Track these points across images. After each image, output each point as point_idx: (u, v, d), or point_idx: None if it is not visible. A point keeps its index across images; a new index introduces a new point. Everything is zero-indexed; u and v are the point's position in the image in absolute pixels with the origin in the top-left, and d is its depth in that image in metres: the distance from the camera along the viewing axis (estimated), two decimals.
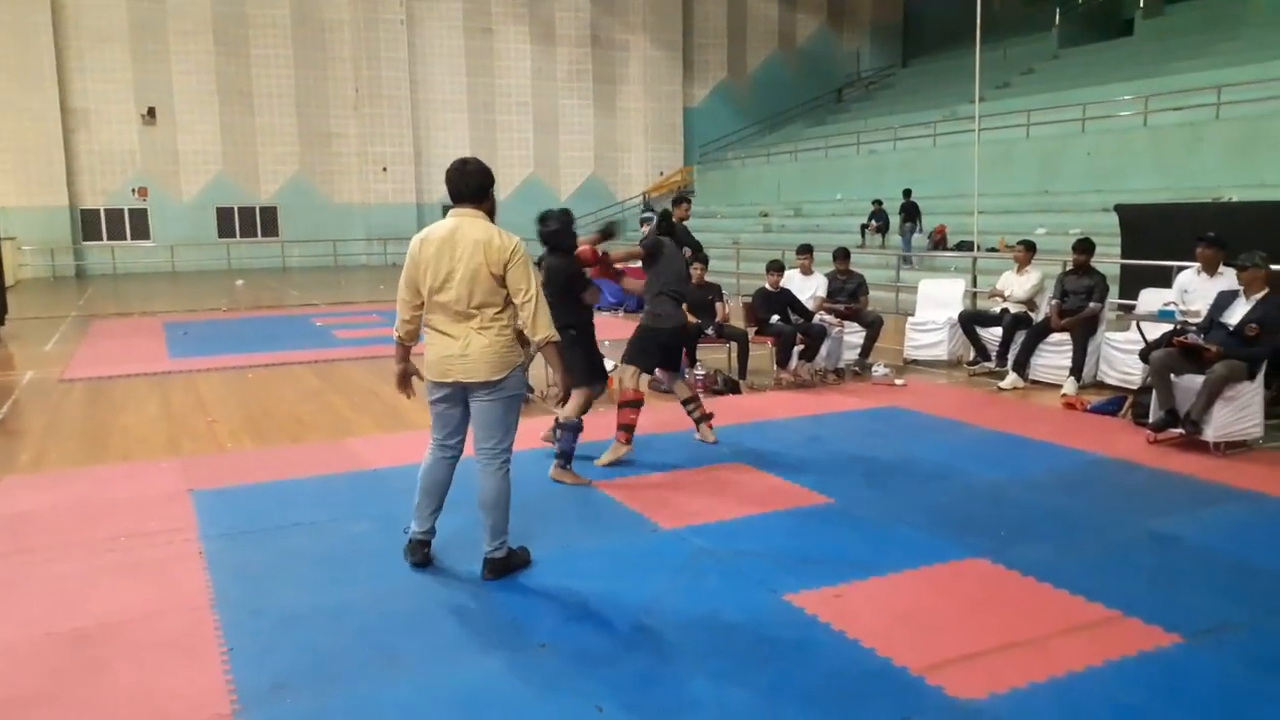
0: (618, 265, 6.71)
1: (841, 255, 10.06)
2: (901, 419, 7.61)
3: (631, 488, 5.75)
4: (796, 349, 9.19)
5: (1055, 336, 8.77)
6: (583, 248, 6.32)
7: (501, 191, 34.11)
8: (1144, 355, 7.18)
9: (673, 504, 5.39)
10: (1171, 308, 7.60)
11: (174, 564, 4.59)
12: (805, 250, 10.13)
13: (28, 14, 26.27)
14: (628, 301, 16.58)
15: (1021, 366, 8.89)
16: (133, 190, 28.55)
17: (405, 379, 4.52)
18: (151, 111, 28.26)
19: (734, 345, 9.27)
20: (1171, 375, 6.59)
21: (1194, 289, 7.61)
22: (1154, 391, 6.73)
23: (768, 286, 9.48)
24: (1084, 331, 8.54)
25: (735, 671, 3.43)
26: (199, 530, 5.07)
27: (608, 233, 6.80)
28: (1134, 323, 8.38)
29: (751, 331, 9.46)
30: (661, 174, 34.85)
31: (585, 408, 6.14)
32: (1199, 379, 6.38)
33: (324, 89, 30.30)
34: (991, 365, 9.42)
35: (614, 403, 6.67)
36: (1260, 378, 6.48)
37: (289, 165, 30.25)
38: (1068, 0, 30.16)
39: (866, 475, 5.97)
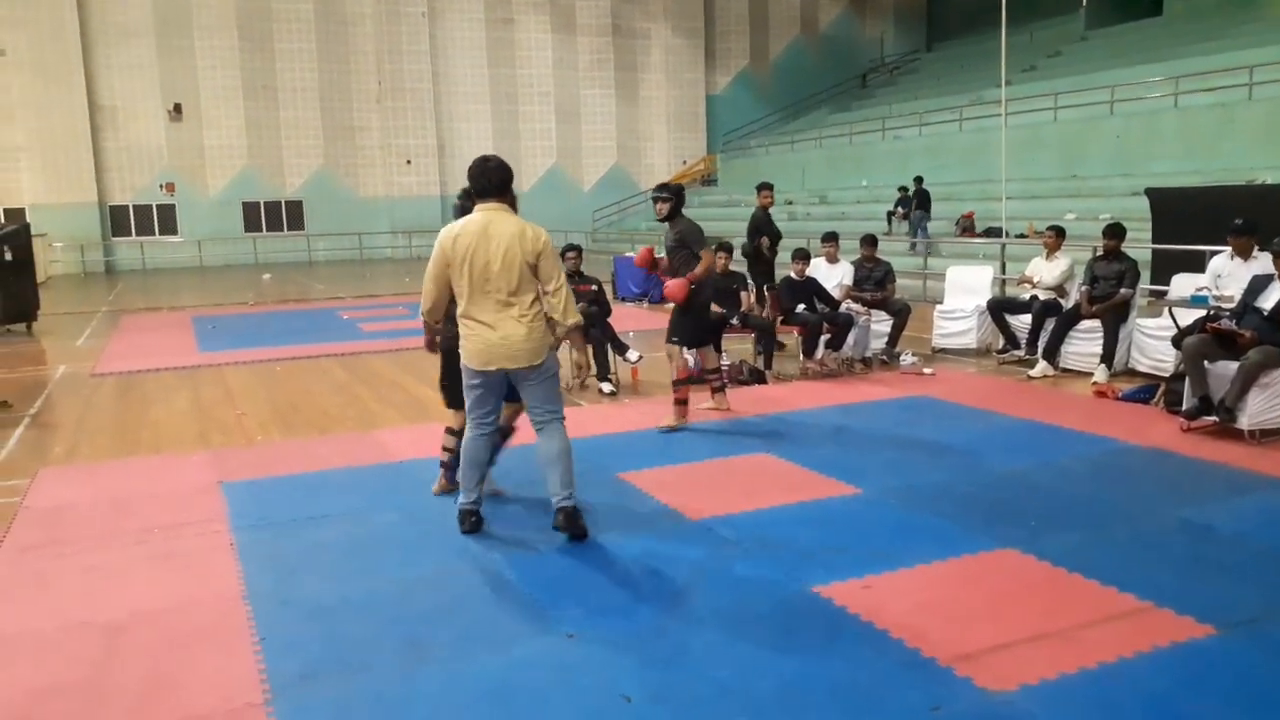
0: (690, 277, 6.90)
1: (868, 242, 9.99)
2: (930, 408, 7.55)
3: (658, 478, 5.75)
4: (823, 338, 9.14)
5: (1086, 323, 8.66)
6: (642, 252, 7.24)
7: (524, 183, 34.42)
8: (1176, 342, 7.08)
9: (699, 495, 5.38)
10: (1204, 293, 7.48)
11: (205, 555, 4.65)
12: (831, 238, 10.06)
13: (55, 11, 26.56)
14: (653, 293, 16.56)
15: (1052, 354, 8.79)
16: (160, 186, 28.84)
17: (434, 344, 5.01)
18: (178, 107, 28.52)
19: (759, 335, 9.22)
20: (1205, 362, 6.49)
21: (1227, 273, 7.49)
22: (1187, 379, 6.63)
23: (793, 275, 9.43)
24: (1115, 318, 8.43)
25: (764, 662, 3.42)
26: (230, 522, 5.12)
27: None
28: (1166, 308, 8.26)
29: (777, 321, 9.42)
30: (684, 162, 34.75)
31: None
32: (1233, 365, 6.28)
33: (347, 83, 30.45)
34: (1021, 353, 9.32)
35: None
36: None
37: (313, 159, 30.44)
38: None
39: (894, 465, 5.93)
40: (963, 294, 10.50)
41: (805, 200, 26.18)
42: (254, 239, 29.88)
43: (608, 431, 7.01)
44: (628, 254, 19.32)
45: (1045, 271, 9.33)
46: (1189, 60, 19.40)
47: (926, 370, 9.07)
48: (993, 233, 16.38)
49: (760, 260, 10.78)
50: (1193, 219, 10.62)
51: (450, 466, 5.36)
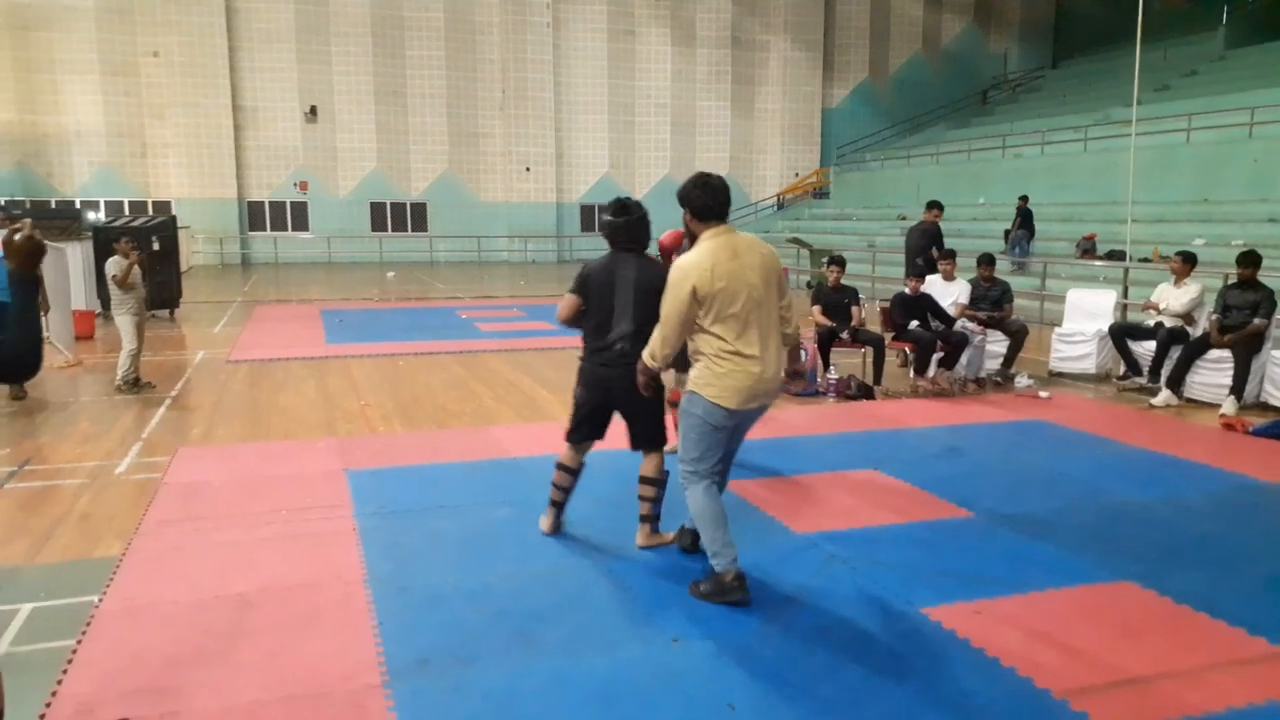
0: None
1: (986, 261, 9.78)
2: (1045, 433, 7.35)
3: (765, 489, 5.76)
4: (936, 356, 8.99)
5: (1215, 353, 8.29)
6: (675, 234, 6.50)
7: (637, 192, 34.73)
8: None
9: (805, 508, 5.38)
10: None
11: (330, 539, 4.88)
12: (948, 255, 9.89)
13: (203, 16, 28.12)
14: None
15: (1176, 383, 8.44)
16: (294, 184, 30.19)
17: (651, 386, 4.31)
18: (313, 110, 29.80)
19: (869, 350, 9.14)
20: None
21: None
22: None
23: (907, 291, 9.30)
24: (1247, 349, 8.05)
25: (869, 682, 3.41)
26: (353, 508, 5.36)
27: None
28: None
29: (889, 337, 9.31)
30: (797, 175, 34.49)
31: None
32: None
33: (473, 90, 31.30)
34: (1143, 381, 8.98)
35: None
36: None
37: (438, 163, 31.38)
38: None
39: (1008, 490, 5.81)
40: (1083, 317, 10.17)
41: (920, 216, 25.68)
42: (379, 238, 30.96)
43: None
44: None
45: (1173, 298, 8.97)
46: None
47: (1042, 394, 8.82)
48: (1115, 256, 15.78)
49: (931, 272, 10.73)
50: None
51: (560, 505, 4.95)
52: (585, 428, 4.84)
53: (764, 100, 34.22)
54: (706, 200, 4.06)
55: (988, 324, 9.47)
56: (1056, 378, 9.76)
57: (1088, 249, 17.99)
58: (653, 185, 32.92)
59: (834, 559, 4.61)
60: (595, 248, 32.00)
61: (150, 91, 28.25)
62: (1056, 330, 10.19)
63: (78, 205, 26.27)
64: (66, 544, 4.85)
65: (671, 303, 3.94)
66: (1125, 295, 12.62)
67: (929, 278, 9.74)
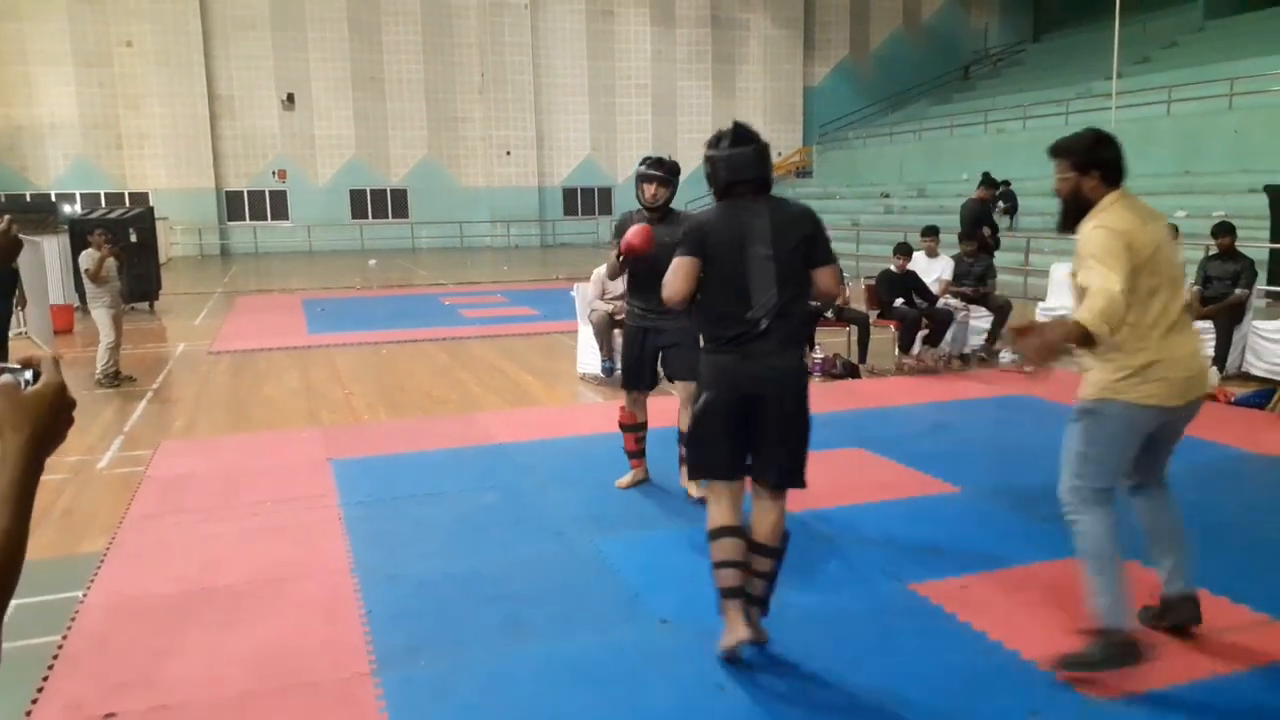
0: None
1: (968, 237, 9.78)
2: (1030, 407, 7.38)
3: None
4: (920, 334, 9.01)
5: (1197, 324, 8.32)
6: (642, 231, 4.89)
7: (620, 175, 34.52)
8: None
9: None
10: None
11: (316, 529, 4.86)
12: (931, 232, 9.89)
13: (177, 4, 27.80)
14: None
15: None
16: (273, 173, 29.96)
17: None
18: (290, 98, 29.54)
19: (854, 329, 9.15)
20: None
21: None
22: None
23: (893, 269, 9.31)
24: (1228, 319, 8.09)
25: (859, 658, 3.42)
26: (339, 497, 5.34)
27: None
28: None
29: (873, 315, 9.31)
30: (779, 155, 34.39)
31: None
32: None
33: (451, 75, 31.07)
34: None
35: None
36: None
37: (418, 149, 31.18)
38: None
39: (994, 464, 5.83)
40: (1066, 292, 10.16)
41: (903, 194, 25.70)
42: (360, 225, 30.78)
43: None
44: None
45: None
46: None
47: (1027, 368, 8.83)
48: None
49: (985, 251, 10.59)
50: None
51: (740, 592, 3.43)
52: (722, 451, 3.37)
53: (745, 80, 34.12)
54: (1119, 156, 3.26)
55: (971, 300, 9.49)
56: None
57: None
58: (635, 167, 32.86)
59: (822, 537, 4.62)
60: (579, 231, 31.97)
61: (124, 82, 27.93)
62: (1040, 305, 10.22)
63: (53, 198, 25.98)
64: (49, 540, 4.81)
65: (1121, 261, 2.97)
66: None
67: (914, 254, 9.73)
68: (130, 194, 27.74)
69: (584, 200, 33.02)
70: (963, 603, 3.81)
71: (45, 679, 3.37)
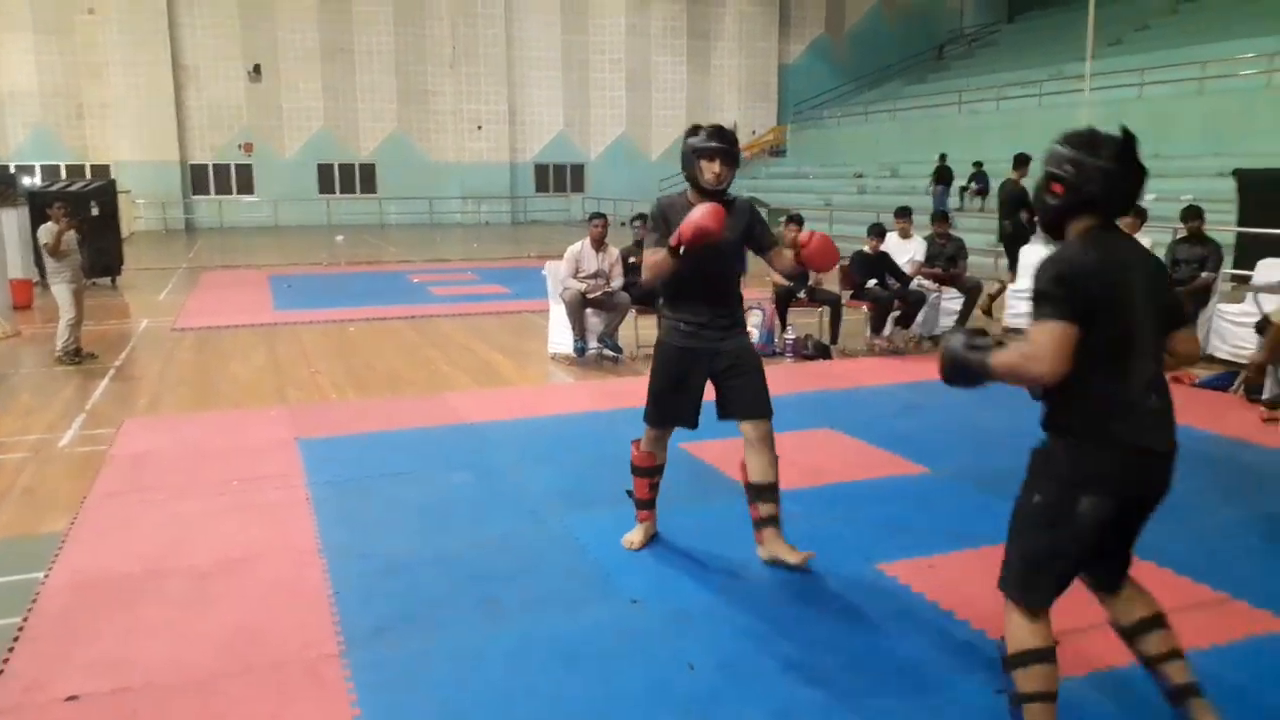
0: None
1: (940, 218, 9.82)
2: (999, 389, 7.41)
3: (722, 450, 5.75)
4: (892, 315, 9.04)
5: None
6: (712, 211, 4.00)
7: (592, 151, 34.24)
8: (1260, 328, 6.86)
9: None
10: None
11: (283, 509, 4.80)
12: (904, 213, 9.92)
13: None
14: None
15: None
16: (239, 146, 29.47)
17: None
18: (257, 69, 29.03)
19: (826, 309, 9.16)
20: None
21: None
22: (1269, 367, 6.43)
23: (866, 250, 9.32)
24: (1195, 302, 8.18)
25: (828, 638, 3.44)
26: (306, 477, 5.28)
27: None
28: (1250, 294, 7.99)
29: (846, 296, 9.33)
30: (754, 133, 34.37)
31: None
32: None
33: (422, 47, 30.65)
34: None
35: None
36: None
37: (387, 123, 30.79)
38: None
39: (963, 445, 5.87)
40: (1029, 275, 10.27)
41: (876, 174, 25.76)
42: (328, 200, 30.38)
43: None
44: None
45: None
46: None
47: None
48: None
49: (1021, 237, 10.60)
50: None
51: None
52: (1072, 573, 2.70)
53: (720, 56, 33.96)
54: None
55: (943, 281, 9.54)
56: (1011, 333, 9.87)
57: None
58: (608, 144, 32.65)
59: (792, 518, 4.61)
60: (551, 209, 31.72)
61: (86, 50, 27.29)
62: (1010, 287, 10.29)
63: (12, 170, 25.40)
64: (8, 520, 4.72)
65: None
66: None
67: (888, 235, 9.76)
68: (92, 166, 27.21)
69: (556, 177, 32.79)
70: (930, 582, 3.84)
71: (5, 660, 3.31)
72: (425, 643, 3.44)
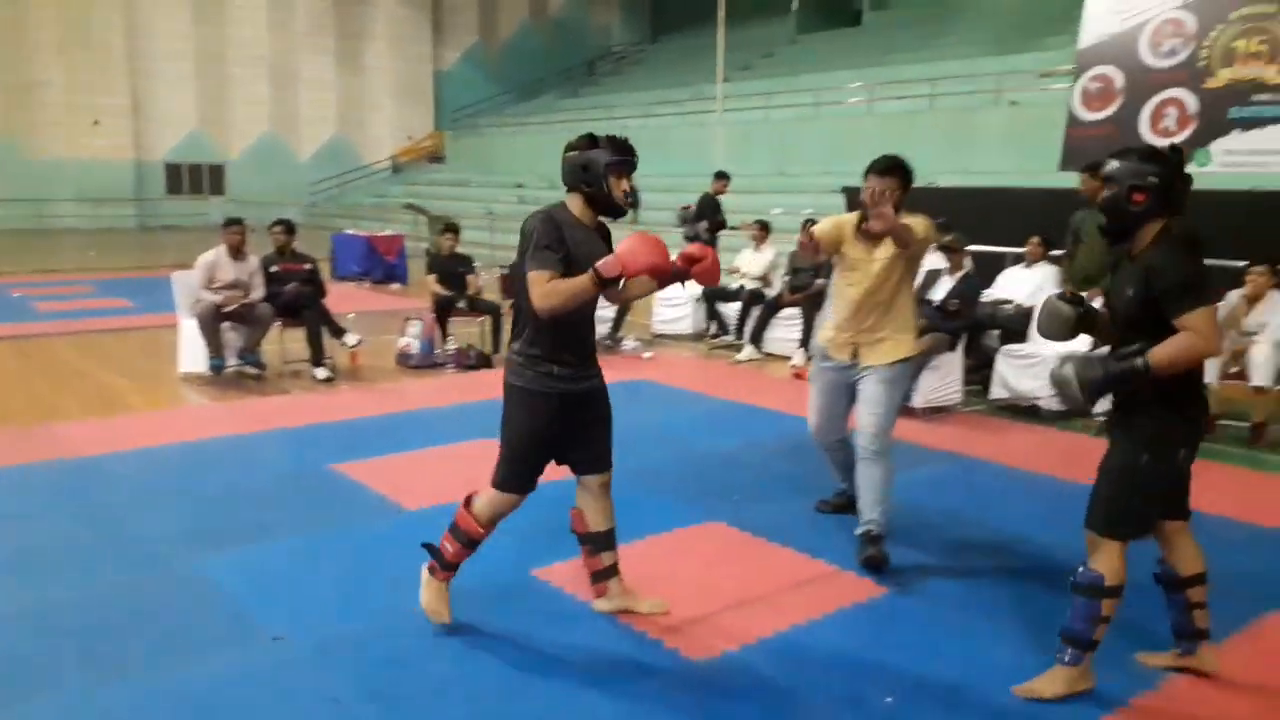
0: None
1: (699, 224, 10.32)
2: (649, 391, 7.85)
3: (374, 469, 5.56)
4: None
5: (786, 311, 9.33)
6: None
7: (234, 149, 31.84)
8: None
9: (418, 484, 5.26)
10: None
11: None
12: None
13: None
14: (376, 271, 16.00)
15: (757, 339, 9.40)
16: None
17: None
18: None
19: (488, 319, 9.17)
20: None
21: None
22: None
23: None
24: (811, 305, 9.13)
25: (483, 650, 3.41)
26: None
27: None
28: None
29: (506, 305, 9.39)
30: (410, 138, 33.77)
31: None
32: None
33: (23, 31, 26.77)
34: (731, 338, 9.90)
35: None
36: (960, 349, 7.22)
37: None
38: None
39: (617, 446, 6.06)
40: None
41: (536, 184, 26.29)
42: None
43: (323, 420, 6.69)
44: (348, 230, 18.53)
45: (752, 262, 9.97)
46: (883, 69, 21.35)
47: (646, 354, 9.41)
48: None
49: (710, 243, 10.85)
50: None
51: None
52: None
53: (372, 58, 32.96)
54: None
55: None
56: (659, 339, 10.46)
57: (685, 218, 19.50)
58: (251, 142, 30.52)
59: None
60: (187, 213, 29.04)
61: None
62: (658, 295, 10.88)
63: None
64: None
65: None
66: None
67: None
68: None
69: (192, 178, 30.04)
70: (583, 582, 3.93)
71: None
72: (28, 710, 2.98)
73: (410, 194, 27.22)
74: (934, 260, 7.71)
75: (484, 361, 8.82)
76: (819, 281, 9.16)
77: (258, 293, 7.80)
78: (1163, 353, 2.92)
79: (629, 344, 9.67)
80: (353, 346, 8.29)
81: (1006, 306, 7.77)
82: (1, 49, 26.51)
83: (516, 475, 3.55)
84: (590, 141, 3.45)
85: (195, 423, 6.65)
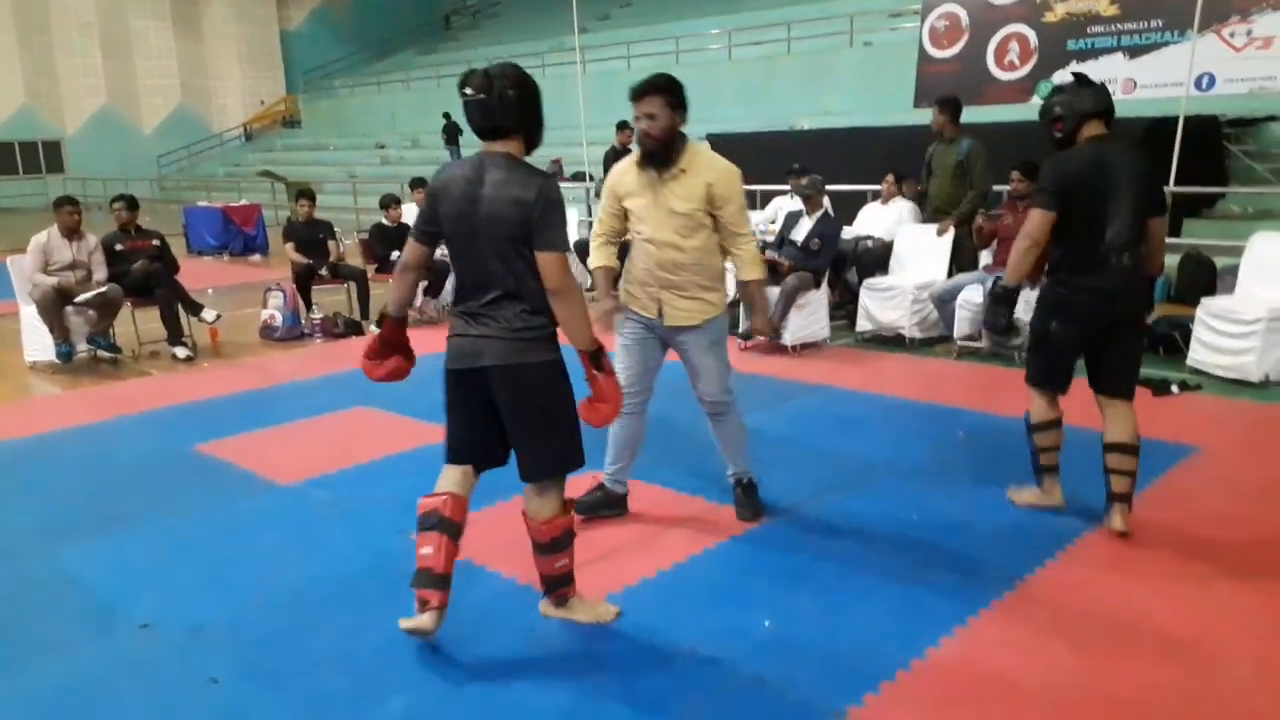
0: None
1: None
2: None
3: (243, 446, 5.38)
4: (421, 285, 9.04)
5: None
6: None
7: (70, 125, 29.97)
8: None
9: (291, 458, 5.13)
10: (759, 229, 8.44)
11: None
12: (420, 183, 9.94)
13: None
14: (234, 244, 15.38)
15: None
16: None
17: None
18: None
19: (352, 285, 8.93)
20: None
21: (786, 210, 8.50)
22: (741, 304, 7.43)
23: (385, 222, 9.20)
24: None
25: (363, 622, 3.35)
26: None
27: None
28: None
29: (371, 269, 9.16)
30: (262, 103, 32.36)
31: None
32: (775, 290, 7.17)
33: None
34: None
35: None
36: (825, 285, 7.42)
37: None
38: None
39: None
40: None
41: (398, 144, 25.59)
42: None
43: (186, 400, 6.43)
44: (200, 203, 17.69)
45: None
46: (741, 15, 21.48)
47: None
48: (578, 177, 17.15)
49: None
50: (751, 162, 11.90)
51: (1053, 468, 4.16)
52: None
53: (213, 22, 31.30)
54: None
55: None
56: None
57: (555, 172, 19.35)
58: (88, 116, 28.67)
59: (324, 504, 4.47)
60: (24, 193, 27.26)
61: None
62: None
63: None
64: None
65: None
66: (589, 214, 13.77)
67: (406, 205, 9.69)
68: None
69: (26, 156, 28.10)
70: (467, 540, 3.90)
71: None
72: None
73: (266, 161, 26.14)
74: (792, 203, 7.88)
75: (354, 328, 8.61)
76: None
77: (100, 273, 7.38)
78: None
79: None
80: (212, 322, 7.95)
81: (867, 242, 8.03)
82: None
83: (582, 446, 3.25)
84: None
85: (46, 413, 6.29)
